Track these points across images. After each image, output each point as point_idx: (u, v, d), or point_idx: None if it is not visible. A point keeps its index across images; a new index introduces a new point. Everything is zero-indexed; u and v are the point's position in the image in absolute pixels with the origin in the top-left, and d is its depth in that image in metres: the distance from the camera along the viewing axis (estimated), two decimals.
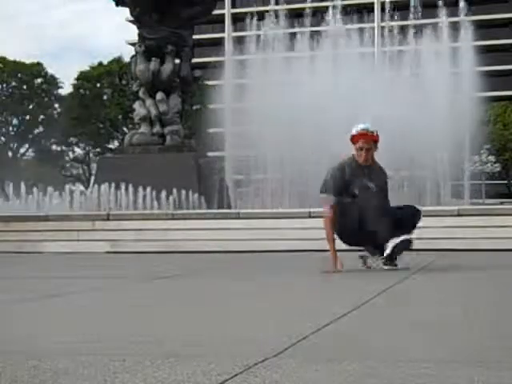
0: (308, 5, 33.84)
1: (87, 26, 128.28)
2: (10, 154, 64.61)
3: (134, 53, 19.80)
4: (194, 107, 48.12)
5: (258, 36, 30.79)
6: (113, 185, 16.97)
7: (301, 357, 2.75)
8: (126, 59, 51.46)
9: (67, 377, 2.46)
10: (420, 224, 7.05)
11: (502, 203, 28.97)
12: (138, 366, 2.59)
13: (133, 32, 21.69)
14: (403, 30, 32.81)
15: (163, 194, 16.51)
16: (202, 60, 53.86)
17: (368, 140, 6.91)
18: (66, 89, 66.98)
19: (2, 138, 64.94)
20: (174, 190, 16.61)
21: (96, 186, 17.52)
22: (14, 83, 63.94)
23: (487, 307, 4.31)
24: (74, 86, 64.14)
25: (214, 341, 3.16)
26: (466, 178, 32.85)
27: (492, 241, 9.93)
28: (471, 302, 4.53)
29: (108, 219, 11.87)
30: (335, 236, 7.05)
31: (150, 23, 18.89)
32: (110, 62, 62.12)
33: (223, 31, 78.29)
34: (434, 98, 26.20)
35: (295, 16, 34.73)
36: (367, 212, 6.75)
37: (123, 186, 16.80)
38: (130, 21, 30.94)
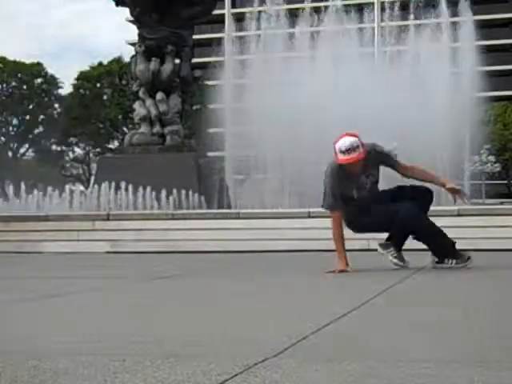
0: (308, 5, 33.83)
1: (87, 26, 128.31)
2: (9, 153, 64.62)
3: (134, 53, 19.80)
4: (194, 107, 48.13)
5: (258, 36, 30.81)
6: (113, 185, 16.97)
7: (301, 357, 2.75)
8: (126, 59, 51.49)
9: (67, 377, 2.46)
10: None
11: (502, 203, 28.97)
12: (138, 366, 2.59)
13: (133, 32, 21.71)
14: (403, 29, 32.82)
15: (163, 194, 16.51)
16: (202, 60, 53.86)
17: (355, 160, 6.56)
18: (66, 89, 67.04)
19: (2, 138, 64.95)
20: (174, 190, 16.61)
21: (96, 185, 17.52)
22: (14, 83, 63.95)
23: (487, 307, 4.31)
24: (74, 86, 64.17)
25: (214, 341, 3.16)
26: (466, 177, 32.86)
27: (492, 241, 9.93)
28: (471, 302, 4.53)
29: (108, 219, 11.87)
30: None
31: (150, 23, 18.89)
32: (110, 62, 62.15)
33: (223, 31, 78.32)
34: (434, 98, 26.21)
35: (295, 15, 34.72)
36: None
37: (123, 186, 16.80)
38: (130, 21, 30.94)
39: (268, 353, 2.75)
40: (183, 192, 16.73)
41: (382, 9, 70.46)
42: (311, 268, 7.73)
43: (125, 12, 23.60)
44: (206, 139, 32.55)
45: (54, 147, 68.41)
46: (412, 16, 36.07)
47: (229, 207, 17.79)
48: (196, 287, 5.92)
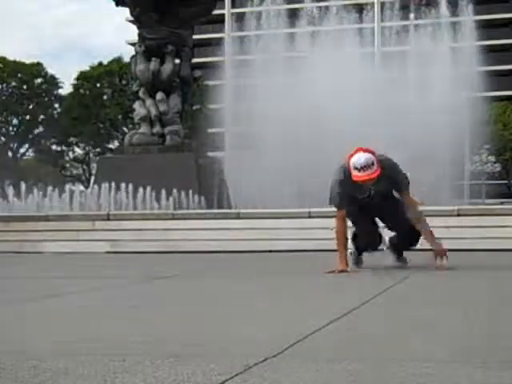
0: (308, 4, 33.82)
1: (87, 26, 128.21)
2: (9, 153, 64.60)
3: (134, 53, 19.80)
4: (194, 107, 48.12)
5: (257, 36, 30.79)
6: (113, 185, 16.97)
7: (301, 357, 2.75)
8: (126, 59, 51.48)
9: (67, 377, 2.46)
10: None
11: (502, 203, 28.96)
12: (138, 366, 2.59)
13: (133, 32, 21.70)
14: (403, 29, 32.82)
15: (163, 194, 16.51)
16: (202, 60, 53.84)
17: (370, 178, 6.50)
18: (66, 89, 66.98)
19: (2, 138, 64.91)
20: (174, 190, 16.61)
21: (96, 185, 17.52)
22: (14, 83, 63.90)
23: (487, 307, 4.31)
24: (74, 85, 64.14)
25: (213, 341, 3.16)
26: (466, 178, 32.85)
27: (492, 241, 9.93)
28: (471, 302, 4.53)
29: (108, 219, 11.87)
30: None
31: (150, 23, 18.89)
32: (110, 62, 62.12)
33: (223, 31, 78.32)
34: (433, 98, 26.20)
35: (295, 15, 34.73)
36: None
37: (123, 186, 16.80)
38: (130, 21, 30.92)
39: (268, 353, 2.75)
40: (183, 192, 16.73)
41: (382, 9, 70.56)
42: (311, 268, 7.73)
43: (125, 12, 23.62)
44: (206, 139, 32.54)
45: (54, 147, 68.37)
46: (412, 16, 36.06)
47: (229, 207, 17.78)
48: (196, 287, 5.92)
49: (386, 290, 5.07)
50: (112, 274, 7.60)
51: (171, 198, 16.47)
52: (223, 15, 77.32)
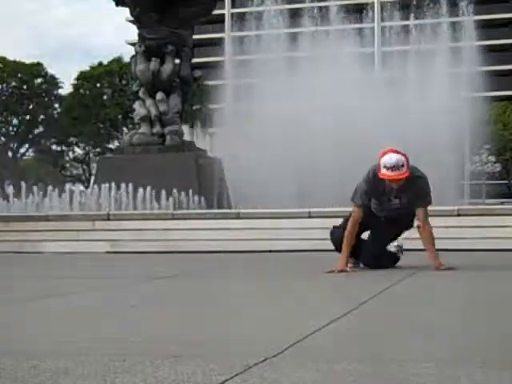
0: (308, 5, 33.81)
1: (87, 26, 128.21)
2: (10, 153, 64.61)
3: (134, 53, 19.79)
4: (194, 107, 48.11)
5: (257, 36, 30.77)
6: (113, 185, 16.96)
7: (301, 357, 2.75)
8: (126, 59, 51.46)
9: (67, 377, 2.46)
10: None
11: (502, 203, 28.96)
12: (138, 366, 2.59)
13: (133, 32, 21.69)
14: (403, 29, 32.81)
15: (163, 194, 16.51)
16: (202, 60, 53.84)
17: (398, 178, 6.52)
18: (66, 89, 66.98)
19: (2, 138, 64.92)
20: (174, 190, 16.60)
21: (96, 185, 17.51)
22: (14, 83, 63.90)
23: (487, 307, 4.31)
24: (74, 86, 64.15)
25: (214, 341, 3.16)
26: (467, 178, 32.83)
27: (492, 241, 9.93)
28: (471, 302, 4.53)
29: (108, 219, 11.87)
30: None
31: (150, 23, 18.88)
32: (110, 62, 62.13)
33: (223, 31, 78.33)
34: (433, 98, 26.17)
35: (295, 15, 34.72)
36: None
37: (123, 186, 16.79)
38: (130, 21, 30.92)
39: (268, 353, 2.75)
40: (183, 192, 16.73)
41: (382, 9, 70.59)
42: (311, 268, 7.73)
43: (125, 12, 23.60)
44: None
45: (54, 147, 68.38)
46: (412, 16, 36.07)
47: (229, 207, 17.78)
48: (196, 287, 5.92)
49: (385, 290, 5.07)
50: (112, 274, 7.60)
51: (171, 198, 16.47)
52: (223, 15, 77.38)
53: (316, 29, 29.44)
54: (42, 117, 65.24)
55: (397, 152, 6.56)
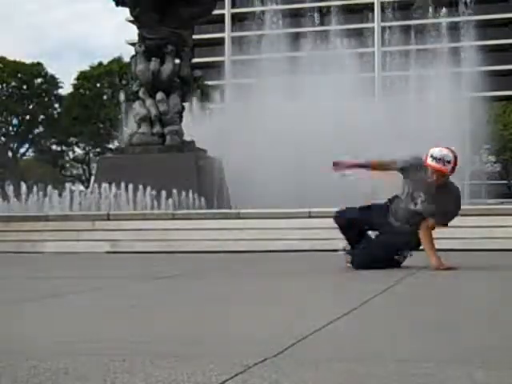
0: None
1: (87, 26, 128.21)
2: (10, 153, 64.61)
3: (134, 53, 19.80)
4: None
5: (259, 36, 30.73)
6: (113, 185, 16.97)
7: (301, 357, 2.75)
8: (126, 59, 51.45)
9: (67, 377, 2.46)
10: None
11: (502, 203, 28.97)
12: (138, 366, 2.59)
13: (133, 32, 21.69)
14: (405, 30, 32.87)
15: (163, 194, 16.51)
16: (202, 60, 53.83)
17: (440, 171, 6.63)
18: (66, 89, 67.01)
19: (2, 138, 64.93)
20: (174, 190, 16.61)
21: (96, 185, 17.51)
22: (13, 83, 63.91)
23: (487, 307, 4.31)
24: (74, 86, 64.17)
25: (214, 341, 3.16)
26: (467, 178, 32.84)
27: (492, 241, 9.93)
28: (471, 302, 4.53)
29: (108, 219, 11.87)
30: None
31: (150, 23, 18.88)
32: (110, 62, 62.14)
33: (223, 31, 78.34)
34: (434, 99, 26.19)
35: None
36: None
37: (123, 186, 16.80)
38: (130, 21, 30.94)
39: (268, 353, 2.75)
40: (183, 192, 16.73)
41: (383, 9, 70.71)
42: (311, 268, 7.73)
43: (125, 12, 23.61)
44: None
45: (54, 147, 68.38)
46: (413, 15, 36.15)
47: (229, 207, 17.78)
48: (196, 287, 5.92)
49: (385, 290, 5.07)
50: (112, 274, 7.60)
51: (171, 198, 16.47)
52: (223, 15, 77.39)
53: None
54: (42, 117, 65.24)
55: (449, 149, 6.72)
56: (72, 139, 65.92)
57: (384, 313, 4.08)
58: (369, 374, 2.43)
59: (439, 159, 6.59)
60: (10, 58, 64.25)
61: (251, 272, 7.58)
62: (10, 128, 65.12)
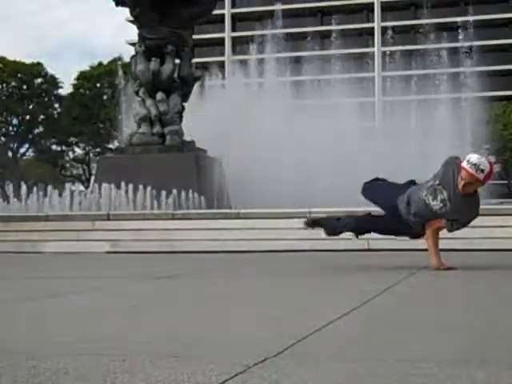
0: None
1: (87, 26, 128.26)
2: (10, 153, 64.63)
3: (134, 53, 19.79)
4: None
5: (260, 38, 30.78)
6: (113, 185, 16.97)
7: (301, 357, 2.75)
8: (126, 59, 51.46)
9: (67, 377, 2.46)
10: None
11: (502, 203, 28.99)
12: (138, 366, 2.59)
13: (133, 32, 21.70)
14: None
15: (163, 193, 16.51)
16: (202, 60, 53.85)
17: (472, 177, 6.55)
18: (66, 89, 67.05)
19: (2, 138, 64.95)
20: (174, 190, 16.61)
21: (96, 185, 17.51)
22: (13, 83, 63.95)
23: (487, 307, 4.31)
24: (74, 85, 64.21)
25: (214, 341, 3.16)
26: None
27: (492, 241, 9.93)
28: (471, 302, 4.53)
29: (108, 219, 11.87)
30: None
31: (150, 23, 18.88)
32: (110, 62, 62.18)
33: (223, 31, 78.36)
34: (434, 99, 26.22)
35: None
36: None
37: (123, 186, 16.80)
38: (130, 21, 30.94)
39: (268, 353, 2.75)
40: (183, 192, 16.73)
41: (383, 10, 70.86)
42: (311, 268, 7.73)
43: (125, 12, 23.60)
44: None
45: (54, 147, 68.42)
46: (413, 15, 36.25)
47: (229, 207, 17.78)
48: (196, 287, 5.92)
49: (385, 290, 5.07)
50: (112, 273, 7.60)
51: (171, 198, 16.48)
52: (223, 15, 77.41)
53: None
54: (42, 117, 65.28)
55: (487, 159, 6.69)
56: (72, 139, 65.97)
57: (384, 313, 4.08)
58: (369, 373, 2.43)
59: (474, 164, 6.49)
60: (10, 58, 64.34)
61: (251, 272, 7.58)
62: (10, 128, 65.15)
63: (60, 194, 17.76)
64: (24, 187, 17.71)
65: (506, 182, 61.98)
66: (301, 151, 20.43)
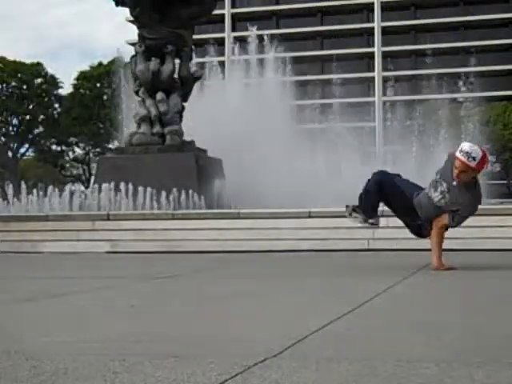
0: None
1: (87, 26, 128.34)
2: (10, 153, 64.62)
3: (134, 53, 19.79)
4: None
5: (260, 37, 30.74)
6: (113, 185, 16.97)
7: (301, 357, 2.75)
8: (126, 59, 51.47)
9: (67, 377, 2.46)
10: None
11: (501, 203, 29.01)
12: (138, 365, 2.59)
13: (133, 32, 21.69)
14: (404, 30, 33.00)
15: (163, 194, 16.51)
16: (202, 60, 53.74)
17: (464, 165, 6.58)
18: (66, 89, 67.07)
19: (2, 138, 64.96)
20: (174, 190, 16.61)
21: (96, 185, 17.51)
22: (13, 83, 63.95)
23: (487, 307, 4.31)
24: (74, 85, 64.22)
25: (214, 341, 3.16)
26: None
27: (492, 241, 9.93)
28: (471, 302, 4.53)
29: (108, 219, 11.87)
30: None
31: (149, 23, 18.87)
32: (110, 62, 62.19)
33: (223, 31, 78.38)
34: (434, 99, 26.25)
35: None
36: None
37: (123, 186, 16.80)
38: (130, 21, 30.92)
39: (268, 353, 2.75)
40: (183, 192, 16.73)
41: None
42: (311, 268, 7.73)
43: (125, 12, 23.59)
44: None
45: (54, 147, 68.43)
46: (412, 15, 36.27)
47: (228, 207, 17.77)
48: (196, 287, 5.92)
49: (385, 291, 5.07)
50: (112, 273, 7.60)
51: (171, 198, 16.47)
52: (223, 15, 77.45)
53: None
54: (42, 117, 65.29)
55: (480, 147, 6.72)
56: (72, 139, 65.98)
57: (384, 313, 4.08)
58: (369, 373, 2.43)
59: (466, 152, 6.54)
60: (10, 58, 64.35)
61: (251, 272, 7.58)
62: (10, 128, 65.15)
63: (60, 194, 17.75)
64: (24, 187, 17.71)
65: (505, 182, 62.00)
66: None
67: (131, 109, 21.89)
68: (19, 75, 63.40)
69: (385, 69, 74.14)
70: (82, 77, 63.38)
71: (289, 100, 27.12)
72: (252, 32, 31.33)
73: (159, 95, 18.77)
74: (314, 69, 71.53)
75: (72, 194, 17.87)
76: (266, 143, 20.88)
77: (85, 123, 61.01)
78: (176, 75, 19.25)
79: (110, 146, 58.57)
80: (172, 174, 17.07)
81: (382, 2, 76.72)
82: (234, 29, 78.43)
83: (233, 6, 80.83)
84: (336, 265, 7.88)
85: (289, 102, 26.93)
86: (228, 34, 78.06)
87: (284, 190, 17.42)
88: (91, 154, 65.87)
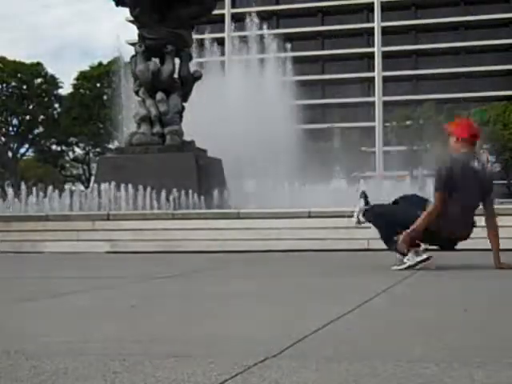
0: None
1: (87, 26, 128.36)
2: (10, 153, 64.63)
3: (134, 53, 19.79)
4: None
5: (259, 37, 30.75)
6: (113, 185, 16.97)
7: (301, 357, 2.75)
8: (126, 59, 51.48)
9: (67, 377, 2.46)
10: None
11: (501, 203, 29.02)
12: (138, 365, 2.59)
13: (133, 32, 21.69)
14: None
15: (163, 193, 16.51)
16: (202, 60, 53.69)
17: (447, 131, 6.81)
18: (66, 89, 67.08)
19: (2, 138, 64.96)
20: (174, 190, 16.61)
21: (96, 185, 17.51)
22: (13, 83, 63.96)
23: (487, 307, 4.31)
24: (74, 86, 64.24)
25: (213, 341, 3.16)
26: None
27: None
28: (471, 302, 4.53)
29: (108, 219, 11.87)
30: None
31: (150, 23, 18.88)
32: (110, 62, 62.19)
33: (223, 31, 78.37)
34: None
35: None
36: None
37: (123, 186, 16.80)
38: (130, 21, 30.90)
39: (268, 353, 2.75)
40: (183, 192, 16.73)
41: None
42: (311, 268, 7.73)
43: (125, 12, 23.58)
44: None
45: (54, 147, 68.43)
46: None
47: (228, 207, 17.77)
48: (196, 287, 5.92)
49: (385, 291, 5.07)
50: (112, 273, 7.60)
51: (171, 198, 16.47)
52: (223, 15, 77.46)
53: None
54: (42, 117, 65.30)
55: (474, 123, 7.06)
56: (72, 139, 65.98)
57: (384, 313, 4.08)
58: (369, 373, 2.43)
59: (458, 124, 6.78)
60: (10, 58, 64.33)
61: (251, 272, 7.58)
62: (10, 128, 65.15)
63: (60, 194, 17.75)
64: (24, 187, 17.71)
65: (505, 182, 61.98)
66: None
67: (131, 109, 21.91)
68: (19, 75, 63.41)
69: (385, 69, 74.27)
70: (82, 77, 63.40)
71: (289, 100, 27.20)
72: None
73: (159, 95, 18.78)
74: (314, 69, 71.59)
75: (72, 193, 17.88)
76: (265, 144, 20.92)
77: (85, 123, 61.02)
78: (176, 75, 19.26)
79: (110, 145, 58.58)
80: (172, 174, 17.07)
81: (382, 2, 76.75)
82: (234, 29, 78.45)
83: (233, 5, 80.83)
84: (336, 265, 7.88)
85: (289, 102, 27.03)
86: (228, 34, 78.07)
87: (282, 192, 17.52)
88: (91, 154, 65.89)
